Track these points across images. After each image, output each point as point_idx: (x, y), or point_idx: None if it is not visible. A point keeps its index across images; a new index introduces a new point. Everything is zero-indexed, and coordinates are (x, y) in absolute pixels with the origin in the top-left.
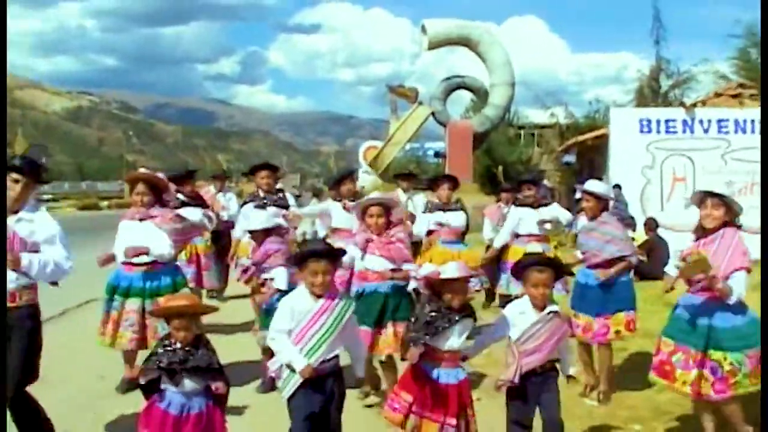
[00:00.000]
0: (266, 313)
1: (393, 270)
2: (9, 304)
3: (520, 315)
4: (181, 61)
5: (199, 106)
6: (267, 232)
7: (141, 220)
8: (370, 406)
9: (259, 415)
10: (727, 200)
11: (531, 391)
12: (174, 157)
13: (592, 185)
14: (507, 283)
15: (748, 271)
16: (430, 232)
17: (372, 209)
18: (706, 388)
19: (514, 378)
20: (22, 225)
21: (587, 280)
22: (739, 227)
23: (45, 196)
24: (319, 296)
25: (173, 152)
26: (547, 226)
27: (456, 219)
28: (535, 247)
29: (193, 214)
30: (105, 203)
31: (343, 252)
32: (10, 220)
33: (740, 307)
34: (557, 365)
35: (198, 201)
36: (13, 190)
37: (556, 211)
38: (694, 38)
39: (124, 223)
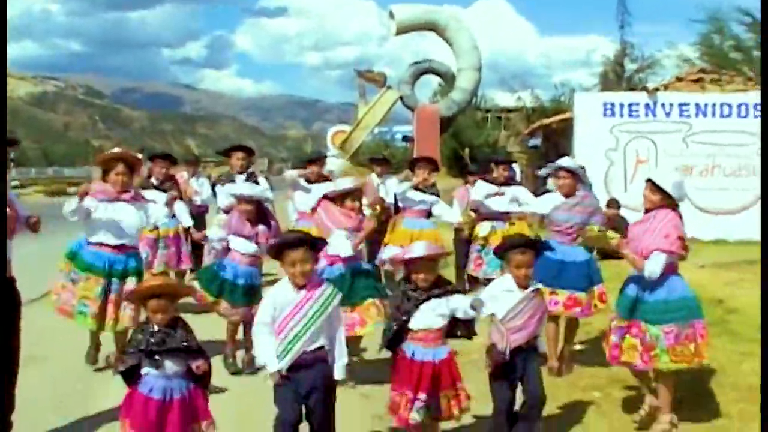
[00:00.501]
0: (227, 282)
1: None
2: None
3: (506, 293)
4: (146, 46)
5: (166, 91)
6: (259, 209)
7: (132, 200)
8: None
9: (243, 396)
10: (662, 189)
11: (517, 367)
12: (141, 142)
13: (567, 161)
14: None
15: (671, 253)
16: (397, 210)
17: (354, 194)
18: (631, 357)
19: (506, 354)
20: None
21: (564, 257)
22: (674, 209)
23: (12, 182)
24: (301, 287)
25: (140, 137)
26: (513, 205)
27: (422, 203)
28: (484, 228)
29: (159, 198)
30: (73, 189)
31: (323, 241)
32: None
33: (673, 283)
34: (537, 342)
35: (170, 185)
36: None
37: (519, 192)
38: (660, 22)
39: (112, 206)
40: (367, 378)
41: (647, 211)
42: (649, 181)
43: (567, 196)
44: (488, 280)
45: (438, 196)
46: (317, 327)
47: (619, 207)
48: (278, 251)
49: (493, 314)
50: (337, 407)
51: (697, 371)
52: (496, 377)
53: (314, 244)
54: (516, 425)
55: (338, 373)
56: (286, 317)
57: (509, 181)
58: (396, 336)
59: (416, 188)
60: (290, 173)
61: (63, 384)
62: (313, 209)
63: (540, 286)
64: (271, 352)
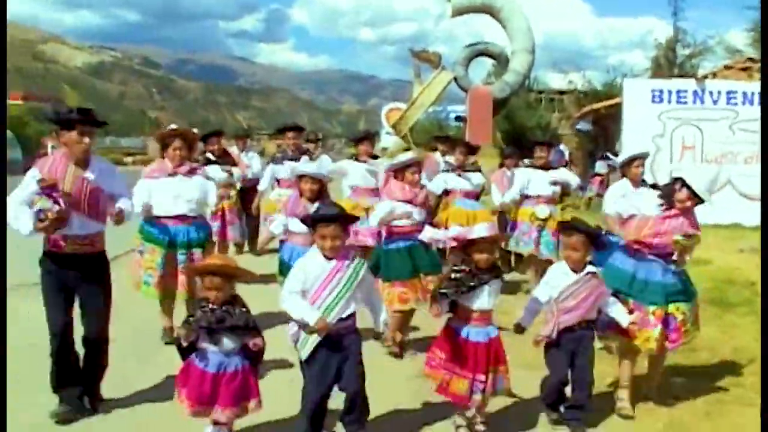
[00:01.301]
0: (284, 264)
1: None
2: (88, 251)
3: (562, 275)
4: (203, 18)
5: (221, 63)
6: (320, 182)
7: (188, 174)
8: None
9: (294, 371)
10: (695, 192)
11: (566, 347)
12: (195, 113)
13: (643, 152)
14: (516, 242)
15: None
16: (447, 192)
17: (413, 167)
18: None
19: (552, 333)
20: (103, 177)
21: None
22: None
23: None
24: (330, 258)
25: (194, 109)
26: (556, 187)
27: (466, 183)
28: (543, 210)
29: (216, 172)
30: (130, 159)
31: (354, 218)
32: (86, 172)
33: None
34: (593, 326)
35: (225, 158)
36: (83, 143)
37: (565, 174)
38: (714, 7)
39: (165, 180)
40: (415, 338)
41: (671, 207)
42: (683, 183)
43: (636, 185)
44: (548, 261)
45: (480, 171)
46: (350, 296)
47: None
48: (312, 224)
49: (549, 297)
50: (384, 368)
51: (720, 346)
52: (548, 351)
53: (347, 221)
54: (566, 408)
55: (379, 325)
56: (319, 288)
57: (551, 164)
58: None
59: (455, 169)
60: (334, 165)
61: (124, 348)
62: (384, 184)
63: (595, 269)
64: (307, 307)
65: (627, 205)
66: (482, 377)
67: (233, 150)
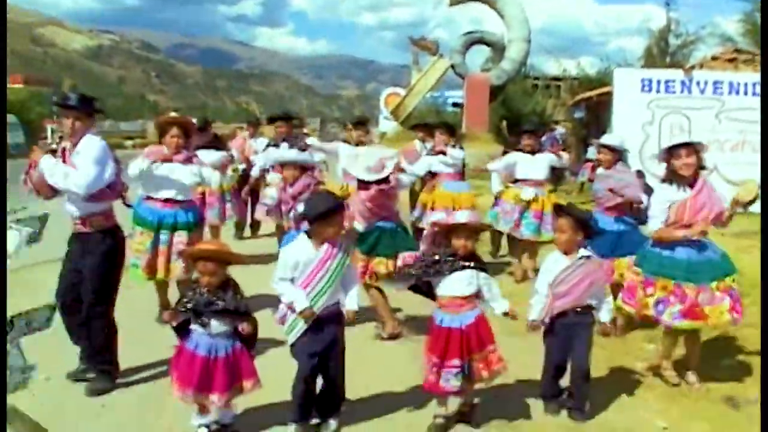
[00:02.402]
0: None
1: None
2: (81, 229)
3: (554, 262)
4: (202, 1)
5: (220, 47)
6: (302, 169)
7: (185, 162)
8: (384, 338)
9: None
10: (697, 147)
11: (563, 332)
12: (194, 97)
13: (607, 139)
14: (496, 220)
15: None
16: (433, 175)
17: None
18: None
19: (544, 318)
20: (75, 156)
21: (601, 224)
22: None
23: None
24: (321, 244)
25: (193, 93)
26: (545, 171)
27: (449, 167)
28: (528, 191)
29: (209, 155)
30: (129, 142)
31: (343, 200)
32: (73, 153)
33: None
34: (593, 312)
35: (215, 144)
36: (67, 126)
37: (550, 158)
38: None
39: (164, 165)
40: (417, 329)
41: (686, 178)
42: (686, 144)
43: (607, 169)
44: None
45: (461, 148)
46: (338, 281)
47: (643, 177)
48: (313, 220)
49: (547, 284)
50: (386, 358)
51: None
52: (545, 338)
53: (342, 208)
54: (565, 397)
55: (351, 303)
56: (311, 273)
57: (539, 150)
58: (418, 283)
59: (438, 152)
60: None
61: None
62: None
63: (589, 253)
64: (300, 293)
65: (659, 210)
66: (455, 362)
67: (244, 135)
